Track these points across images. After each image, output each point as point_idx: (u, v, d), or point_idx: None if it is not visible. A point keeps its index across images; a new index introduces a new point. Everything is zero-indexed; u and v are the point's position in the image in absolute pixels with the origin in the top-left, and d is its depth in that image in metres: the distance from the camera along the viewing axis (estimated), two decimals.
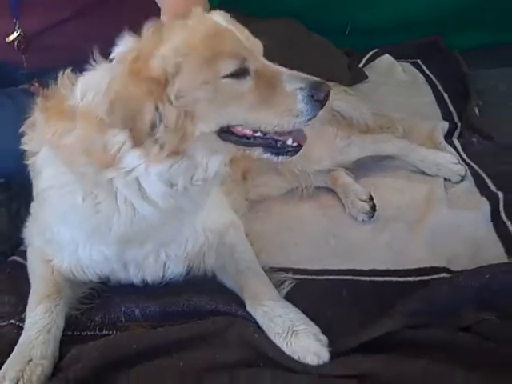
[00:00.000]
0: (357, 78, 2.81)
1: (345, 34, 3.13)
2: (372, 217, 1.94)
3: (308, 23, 2.91)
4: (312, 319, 1.54)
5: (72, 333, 1.59)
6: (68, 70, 1.54)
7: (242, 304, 1.62)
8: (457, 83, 2.73)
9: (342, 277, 1.74)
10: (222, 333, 1.54)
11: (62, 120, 1.47)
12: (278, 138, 1.44)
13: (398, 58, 3.01)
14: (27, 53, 2.00)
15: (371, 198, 1.97)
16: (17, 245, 1.87)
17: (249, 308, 1.60)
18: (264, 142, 1.44)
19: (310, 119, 1.40)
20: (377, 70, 2.94)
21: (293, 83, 1.39)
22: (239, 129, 1.42)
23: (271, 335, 1.52)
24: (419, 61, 3.00)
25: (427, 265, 1.74)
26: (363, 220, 1.96)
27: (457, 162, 2.13)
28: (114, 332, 1.58)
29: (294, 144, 1.45)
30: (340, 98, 2.35)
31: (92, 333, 1.59)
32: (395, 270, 1.73)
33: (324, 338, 1.49)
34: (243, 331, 1.53)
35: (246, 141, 1.44)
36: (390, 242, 1.84)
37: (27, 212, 1.75)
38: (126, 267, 1.65)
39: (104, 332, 1.59)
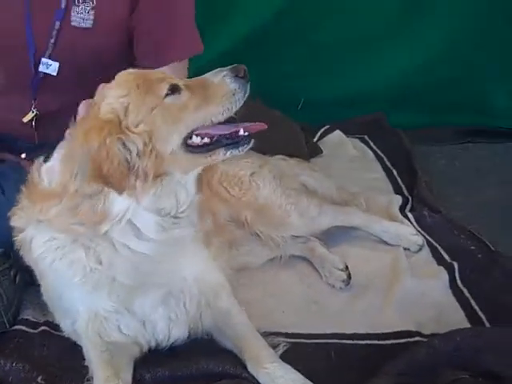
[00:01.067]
0: (312, 152, 3.04)
1: (297, 109, 3.34)
2: (348, 284, 2.15)
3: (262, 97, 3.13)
4: (307, 379, 1.71)
5: None
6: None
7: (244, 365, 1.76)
8: (402, 159, 3.01)
9: (328, 340, 1.92)
10: None
11: (44, 200, 1.63)
12: (232, 130, 1.64)
13: (346, 133, 3.27)
14: (40, 129, 2.12)
15: (347, 267, 2.18)
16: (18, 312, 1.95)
17: (251, 370, 1.76)
18: (222, 143, 1.64)
19: (244, 94, 1.63)
20: (329, 145, 3.17)
21: (217, 75, 1.64)
22: (197, 141, 1.61)
23: None
24: (366, 137, 3.27)
25: (401, 329, 1.95)
26: (340, 287, 2.16)
27: (415, 233, 2.38)
28: None
29: (246, 133, 1.65)
30: (307, 173, 2.58)
31: None
32: (375, 334, 1.93)
33: None
34: None
35: (208, 147, 1.63)
36: (365, 308, 2.05)
37: (24, 278, 1.85)
38: (143, 324, 1.76)
39: None
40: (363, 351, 1.89)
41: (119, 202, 1.56)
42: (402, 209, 2.59)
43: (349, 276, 2.17)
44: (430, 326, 1.97)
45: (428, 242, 2.37)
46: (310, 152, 3.01)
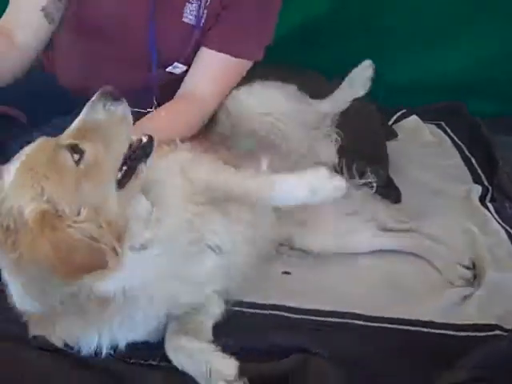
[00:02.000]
0: (388, 135, 2.94)
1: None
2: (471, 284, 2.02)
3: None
4: (365, 364, 1.66)
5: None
6: None
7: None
8: (481, 147, 2.88)
9: (403, 326, 1.83)
10: (302, 370, 1.62)
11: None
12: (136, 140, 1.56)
13: (422, 119, 3.16)
14: None
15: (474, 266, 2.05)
16: None
17: None
18: (138, 159, 1.56)
19: (124, 112, 1.54)
20: (405, 129, 3.07)
21: (98, 111, 1.52)
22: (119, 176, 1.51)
23: None
24: (443, 123, 3.15)
25: (481, 321, 1.85)
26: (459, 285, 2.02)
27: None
28: None
29: (145, 139, 1.58)
30: None
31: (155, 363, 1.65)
32: (452, 324, 1.84)
33: None
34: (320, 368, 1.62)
35: (131, 172, 1.54)
36: (448, 297, 1.96)
37: None
38: None
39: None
40: (438, 340, 1.80)
41: (108, 283, 1.45)
42: (482, 199, 2.47)
43: (474, 276, 2.03)
44: (510, 319, 1.86)
45: (509, 235, 2.24)
46: (386, 135, 2.91)
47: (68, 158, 1.41)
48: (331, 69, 2.92)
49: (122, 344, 1.61)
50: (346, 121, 2.36)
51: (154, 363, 1.66)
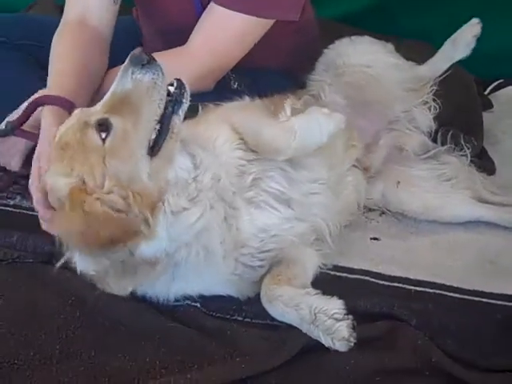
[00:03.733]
0: (484, 106, 2.82)
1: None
2: None
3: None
4: (467, 338, 1.59)
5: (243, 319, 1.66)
6: None
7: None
8: None
9: (496, 301, 1.75)
10: (388, 337, 1.58)
11: None
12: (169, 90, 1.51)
13: None
14: None
15: None
16: None
17: None
18: (169, 112, 1.51)
19: (161, 74, 1.49)
20: (501, 100, 2.93)
21: (126, 79, 1.48)
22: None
23: None
24: None
25: None
26: None
27: None
28: None
29: (172, 88, 1.52)
30: None
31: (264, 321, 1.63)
32: None
33: None
34: (409, 336, 1.57)
35: (163, 129, 1.50)
36: None
37: None
38: None
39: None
40: None
41: (147, 249, 1.47)
42: None
43: None
44: None
45: None
46: (482, 105, 2.78)
47: (95, 138, 1.43)
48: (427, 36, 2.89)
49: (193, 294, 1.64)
50: (444, 90, 2.25)
51: (239, 319, 1.65)
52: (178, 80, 1.52)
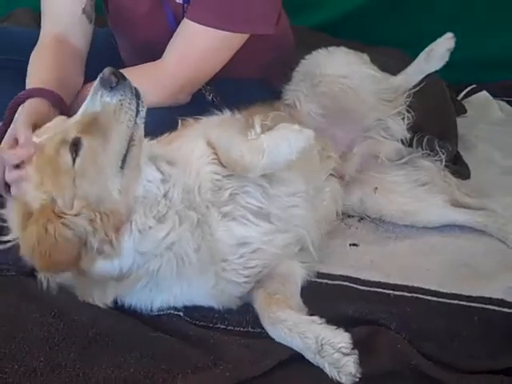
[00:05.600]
0: (457, 111, 2.88)
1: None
2: None
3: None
4: (434, 339, 1.63)
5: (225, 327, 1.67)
6: None
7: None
8: None
9: (471, 304, 1.79)
10: (368, 341, 1.60)
11: None
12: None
13: (493, 95, 3.08)
14: None
15: None
16: None
17: None
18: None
19: (130, 94, 1.51)
20: (474, 105, 3.00)
21: (94, 101, 1.51)
22: None
23: None
24: None
25: None
26: None
27: None
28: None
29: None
30: None
31: (246, 329, 1.66)
32: None
33: None
34: (388, 340, 1.60)
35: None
36: None
37: None
38: None
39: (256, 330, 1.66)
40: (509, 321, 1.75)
41: (113, 265, 1.53)
42: None
43: None
44: None
45: None
46: (455, 111, 2.84)
47: (67, 158, 1.45)
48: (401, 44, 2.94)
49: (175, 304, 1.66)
50: (417, 95, 2.30)
51: (221, 327, 1.67)
52: (134, 87, 1.54)
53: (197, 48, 2.04)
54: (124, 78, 1.51)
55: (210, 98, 2.18)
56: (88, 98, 1.52)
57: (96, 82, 1.51)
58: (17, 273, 1.79)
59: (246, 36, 2.06)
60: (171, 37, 2.07)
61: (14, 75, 2.12)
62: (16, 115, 1.79)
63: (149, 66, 2.09)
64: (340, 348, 1.46)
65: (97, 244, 1.46)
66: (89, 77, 2.07)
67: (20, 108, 1.79)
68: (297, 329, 1.52)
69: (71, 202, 1.44)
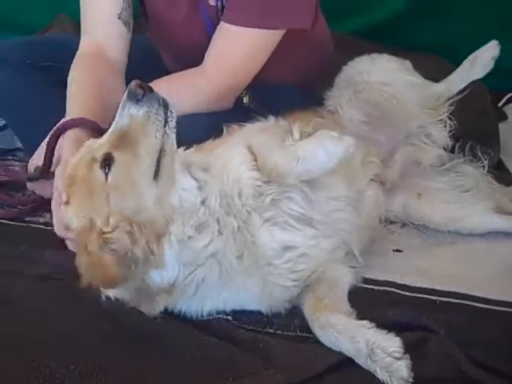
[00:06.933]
0: (498, 118, 2.86)
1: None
2: None
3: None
4: (493, 347, 1.61)
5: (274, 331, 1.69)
6: None
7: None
8: None
9: None
10: (417, 347, 1.59)
11: None
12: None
13: None
14: None
15: None
16: None
17: None
18: None
19: (158, 105, 1.53)
20: None
21: (123, 116, 1.53)
22: None
23: None
24: None
25: None
26: None
27: None
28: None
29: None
30: None
31: (294, 333, 1.67)
32: None
33: None
34: (438, 346, 1.59)
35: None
36: None
37: None
38: None
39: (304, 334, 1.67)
40: None
41: (160, 276, 1.56)
42: None
43: None
44: None
45: None
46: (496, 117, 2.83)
47: (99, 175, 1.48)
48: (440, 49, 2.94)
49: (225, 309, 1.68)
50: (459, 102, 2.30)
51: (270, 331, 1.68)
52: (162, 98, 1.54)
53: (235, 50, 2.06)
54: (150, 90, 1.52)
55: (248, 103, 2.18)
56: (117, 113, 1.54)
57: (124, 97, 1.52)
58: (66, 276, 1.82)
59: (282, 32, 2.07)
60: (208, 41, 2.10)
61: (57, 81, 2.18)
62: (58, 147, 1.86)
63: (190, 73, 2.12)
64: (391, 352, 1.46)
65: (141, 254, 1.48)
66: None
67: (61, 139, 1.85)
68: (347, 333, 1.52)
69: (107, 218, 1.46)
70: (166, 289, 1.56)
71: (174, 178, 1.55)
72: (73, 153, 1.66)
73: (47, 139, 1.91)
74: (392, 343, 1.48)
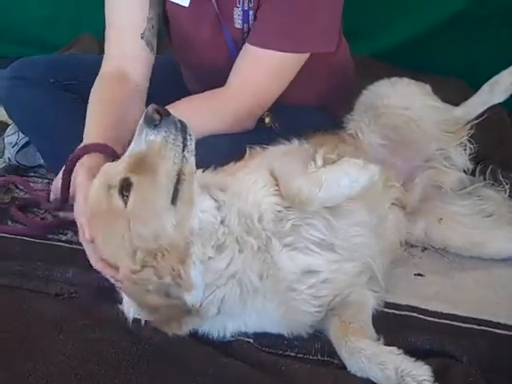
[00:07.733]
0: None
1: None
2: None
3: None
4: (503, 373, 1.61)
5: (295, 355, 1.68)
6: None
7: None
8: None
9: None
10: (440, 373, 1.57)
11: None
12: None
13: None
14: None
15: None
16: None
17: None
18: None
19: (175, 130, 1.52)
20: None
21: (140, 141, 1.52)
22: None
23: None
24: None
25: None
26: None
27: None
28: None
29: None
30: None
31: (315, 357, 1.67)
32: None
33: None
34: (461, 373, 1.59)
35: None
36: None
37: None
38: None
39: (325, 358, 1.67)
40: None
41: (192, 297, 1.55)
42: None
43: None
44: None
45: None
46: None
47: (118, 201, 1.49)
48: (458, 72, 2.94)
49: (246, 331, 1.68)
50: (479, 126, 2.30)
51: (291, 354, 1.68)
52: (179, 121, 1.54)
53: (260, 72, 2.07)
54: (167, 114, 1.51)
55: (270, 123, 2.19)
56: (134, 138, 1.53)
57: (141, 121, 1.51)
58: (88, 295, 1.82)
59: (307, 55, 2.09)
60: (231, 62, 2.11)
61: (79, 99, 2.23)
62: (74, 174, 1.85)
63: (213, 94, 2.12)
64: (421, 381, 1.45)
65: (170, 280, 1.49)
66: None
67: (77, 166, 1.84)
68: (376, 359, 1.51)
69: (133, 253, 1.48)
70: (197, 309, 1.56)
71: (192, 201, 1.54)
72: (89, 179, 1.67)
73: (64, 168, 1.91)
74: (422, 371, 1.47)
